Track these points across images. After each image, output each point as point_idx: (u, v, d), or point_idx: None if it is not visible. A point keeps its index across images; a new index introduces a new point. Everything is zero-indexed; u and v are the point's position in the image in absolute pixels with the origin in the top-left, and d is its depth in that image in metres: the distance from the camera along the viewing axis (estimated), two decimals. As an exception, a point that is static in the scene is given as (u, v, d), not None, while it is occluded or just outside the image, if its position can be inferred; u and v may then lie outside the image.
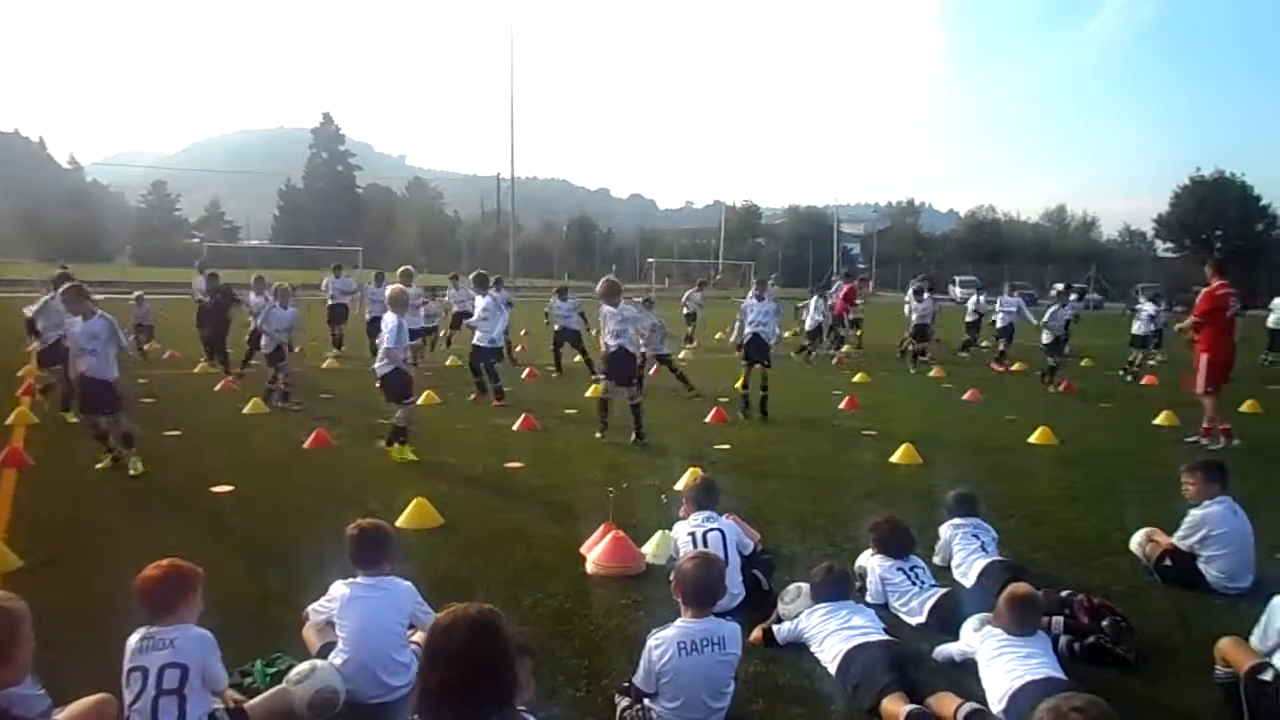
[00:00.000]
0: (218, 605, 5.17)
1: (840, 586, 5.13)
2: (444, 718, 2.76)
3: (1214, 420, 11.24)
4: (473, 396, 13.96)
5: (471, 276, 15.68)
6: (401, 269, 14.68)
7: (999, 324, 21.48)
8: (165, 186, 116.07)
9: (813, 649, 4.89)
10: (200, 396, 14.11)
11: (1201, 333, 11.28)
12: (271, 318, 13.48)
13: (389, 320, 9.82)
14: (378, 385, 10.12)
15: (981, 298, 25.13)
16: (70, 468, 9.25)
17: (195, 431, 11.25)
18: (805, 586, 5.39)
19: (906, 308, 22.84)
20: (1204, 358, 11.15)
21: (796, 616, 5.09)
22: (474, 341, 13.99)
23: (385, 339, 9.83)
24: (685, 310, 26.28)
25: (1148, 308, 21.21)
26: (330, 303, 20.45)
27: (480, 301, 14.17)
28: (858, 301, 24.64)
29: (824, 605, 5.00)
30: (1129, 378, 18.90)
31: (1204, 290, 11.36)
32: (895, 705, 4.19)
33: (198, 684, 3.75)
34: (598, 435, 11.06)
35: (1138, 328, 20.72)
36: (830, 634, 4.79)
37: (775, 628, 5.12)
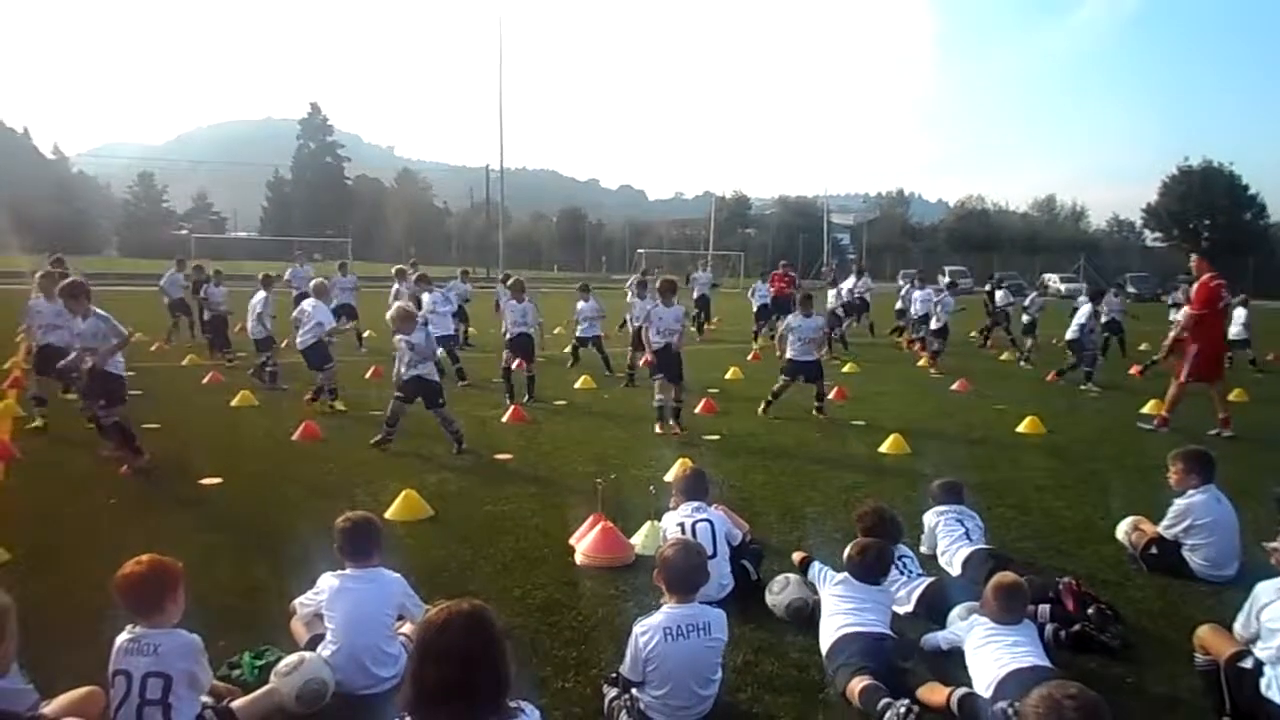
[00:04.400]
0: (206, 598, 5.18)
1: (874, 571, 4.98)
2: (441, 716, 2.75)
3: (1171, 409, 11.43)
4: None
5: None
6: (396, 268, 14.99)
7: (913, 313, 21.90)
8: (152, 178, 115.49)
9: (822, 610, 4.94)
10: (189, 389, 14.05)
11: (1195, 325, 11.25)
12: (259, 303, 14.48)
13: (308, 305, 12.29)
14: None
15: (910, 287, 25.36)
16: (57, 460, 9.22)
17: (184, 424, 11.22)
18: (793, 577, 5.43)
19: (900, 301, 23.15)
20: (1193, 348, 11.13)
21: (824, 568, 5.20)
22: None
23: (310, 319, 12.10)
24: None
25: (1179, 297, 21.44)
26: (294, 293, 20.57)
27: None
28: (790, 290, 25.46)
29: (849, 580, 4.93)
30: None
31: (1197, 283, 11.32)
32: (856, 683, 4.25)
33: (183, 691, 3.73)
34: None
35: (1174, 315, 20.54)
36: (833, 614, 4.80)
37: (814, 563, 5.33)
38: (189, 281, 20.62)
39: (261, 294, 14.73)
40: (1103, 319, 20.19)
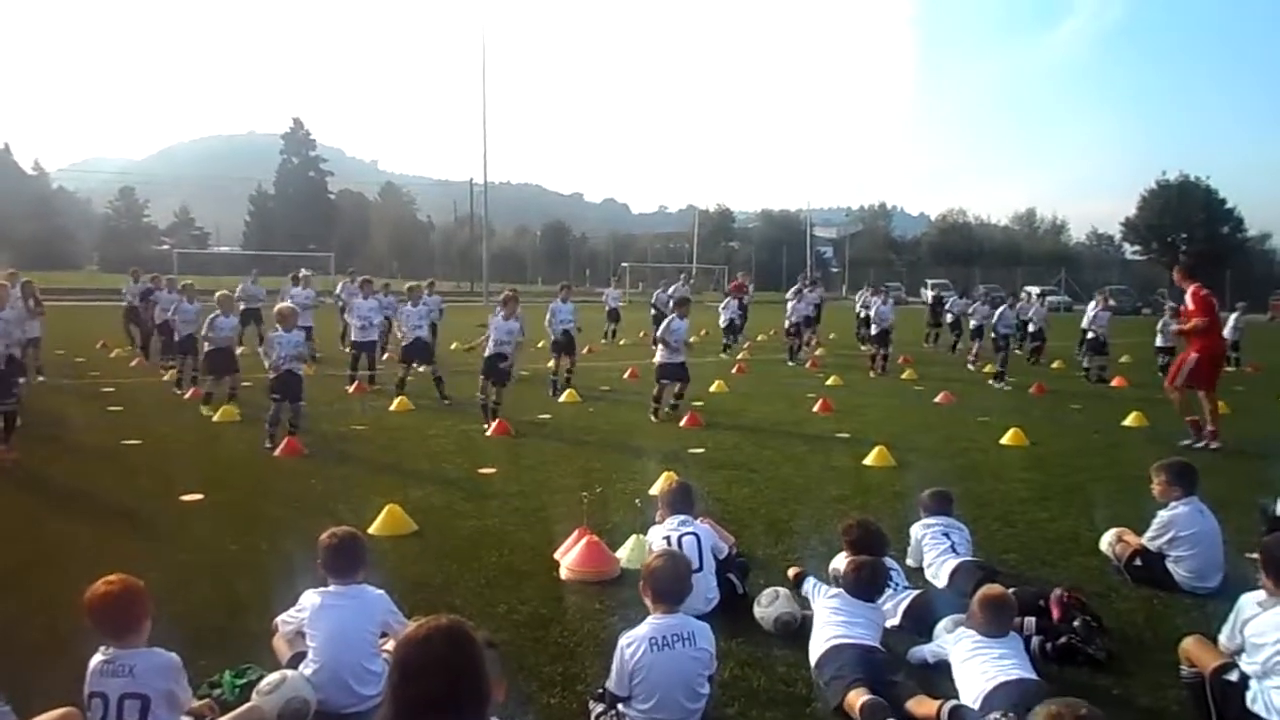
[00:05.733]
0: (187, 615, 5.13)
1: (869, 589, 4.97)
2: None
3: (1195, 416, 11.30)
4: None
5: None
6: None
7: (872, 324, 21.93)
8: (133, 193, 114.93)
9: (814, 623, 4.93)
10: (169, 404, 13.96)
11: (1195, 333, 11.32)
12: (180, 311, 15.38)
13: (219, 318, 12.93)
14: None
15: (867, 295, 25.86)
16: (34, 476, 9.12)
17: (165, 439, 11.13)
18: (782, 590, 5.42)
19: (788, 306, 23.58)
20: (1194, 356, 11.17)
21: (818, 584, 5.28)
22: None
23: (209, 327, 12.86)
24: (608, 307, 28.40)
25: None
26: (243, 307, 20.74)
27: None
28: (744, 299, 26.59)
29: (843, 595, 4.92)
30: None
31: (1190, 294, 11.40)
32: (855, 697, 4.22)
33: (162, 712, 3.68)
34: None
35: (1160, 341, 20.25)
36: (824, 625, 4.79)
37: (808, 578, 5.42)
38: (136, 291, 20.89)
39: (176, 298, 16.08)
40: (1030, 327, 20.84)
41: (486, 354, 12.49)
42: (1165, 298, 21.26)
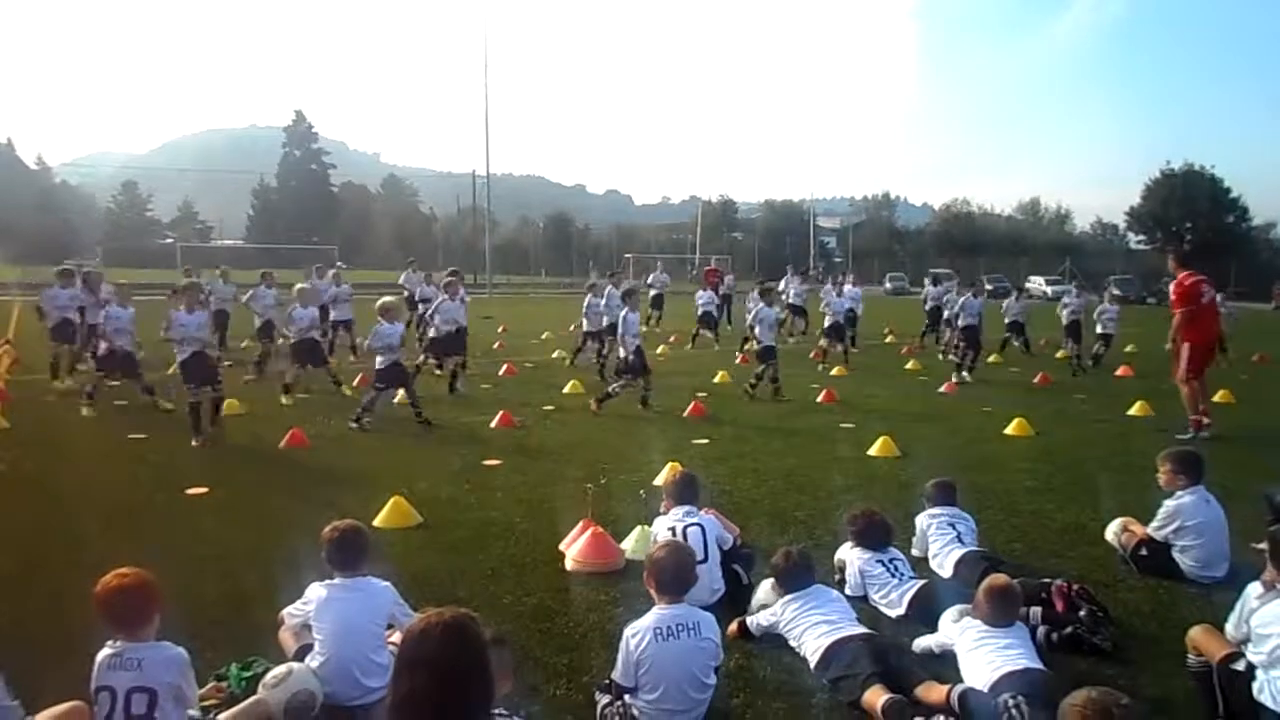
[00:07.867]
0: (193, 608, 5.14)
1: (805, 572, 5.10)
2: None
3: (1198, 409, 11.28)
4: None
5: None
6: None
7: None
8: (136, 187, 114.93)
9: (790, 641, 4.89)
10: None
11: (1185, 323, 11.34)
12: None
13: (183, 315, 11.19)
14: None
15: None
16: (42, 471, 9.13)
17: (170, 433, 11.12)
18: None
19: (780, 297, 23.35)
20: (1186, 346, 11.19)
21: (768, 608, 5.12)
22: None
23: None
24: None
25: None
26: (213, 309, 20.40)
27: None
28: (721, 288, 26.44)
29: (796, 596, 4.97)
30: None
31: (1174, 283, 11.46)
32: (874, 696, 4.20)
33: (169, 706, 3.68)
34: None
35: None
36: (809, 627, 4.78)
37: (749, 619, 5.14)
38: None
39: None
40: (1006, 320, 20.59)
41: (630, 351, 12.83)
42: (1167, 286, 20.92)
